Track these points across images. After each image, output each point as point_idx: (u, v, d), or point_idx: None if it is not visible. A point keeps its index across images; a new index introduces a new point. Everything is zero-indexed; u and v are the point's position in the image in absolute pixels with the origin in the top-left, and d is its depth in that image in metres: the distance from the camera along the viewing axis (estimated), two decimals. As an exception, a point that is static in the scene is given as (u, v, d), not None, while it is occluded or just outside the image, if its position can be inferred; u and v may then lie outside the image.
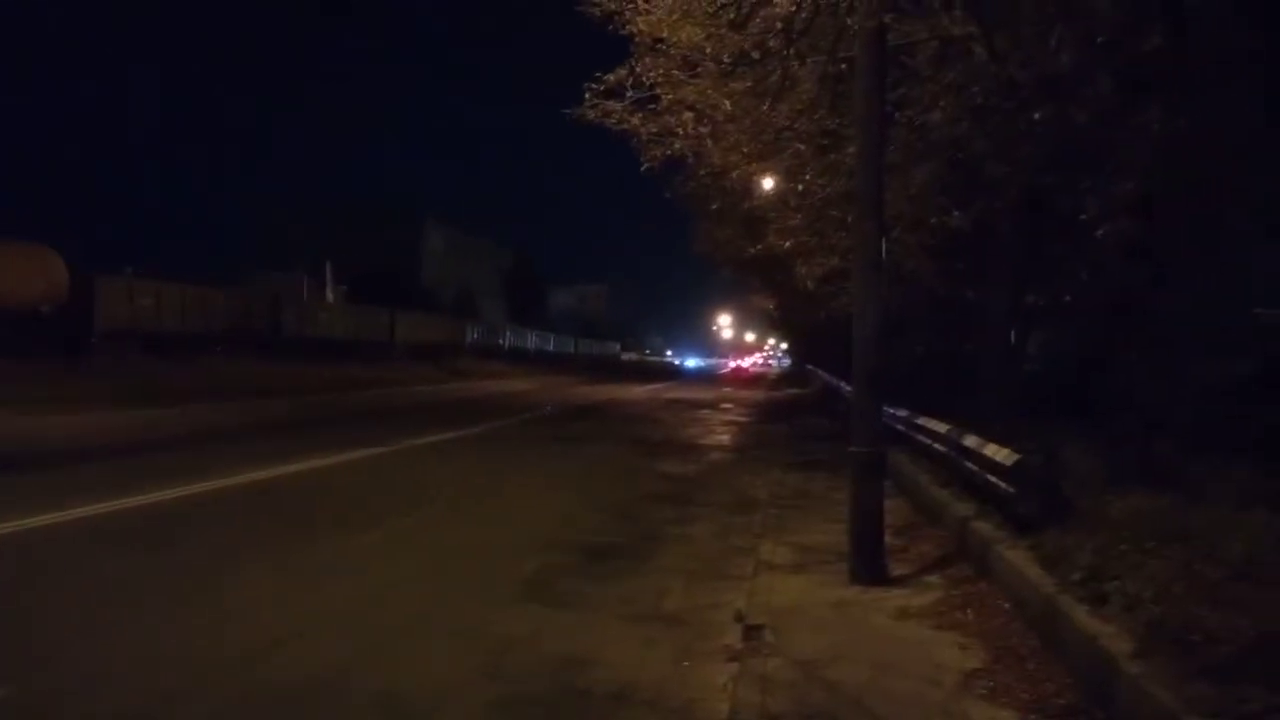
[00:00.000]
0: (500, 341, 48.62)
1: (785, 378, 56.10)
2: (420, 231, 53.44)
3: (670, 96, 7.73)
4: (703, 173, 10.53)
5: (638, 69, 7.43)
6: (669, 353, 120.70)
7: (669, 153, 8.23)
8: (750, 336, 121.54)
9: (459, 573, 5.61)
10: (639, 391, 30.85)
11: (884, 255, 5.69)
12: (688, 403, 24.80)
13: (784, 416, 20.05)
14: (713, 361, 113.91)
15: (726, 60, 7.07)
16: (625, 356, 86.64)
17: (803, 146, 8.53)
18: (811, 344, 40.12)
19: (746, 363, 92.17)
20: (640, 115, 7.86)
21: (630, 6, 7.12)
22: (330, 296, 35.51)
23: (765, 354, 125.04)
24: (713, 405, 24.25)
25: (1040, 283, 9.56)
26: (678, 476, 10.18)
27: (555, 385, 32.82)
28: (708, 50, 7.18)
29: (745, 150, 8.68)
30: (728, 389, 36.37)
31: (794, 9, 6.19)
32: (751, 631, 4.44)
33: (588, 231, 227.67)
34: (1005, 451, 5.89)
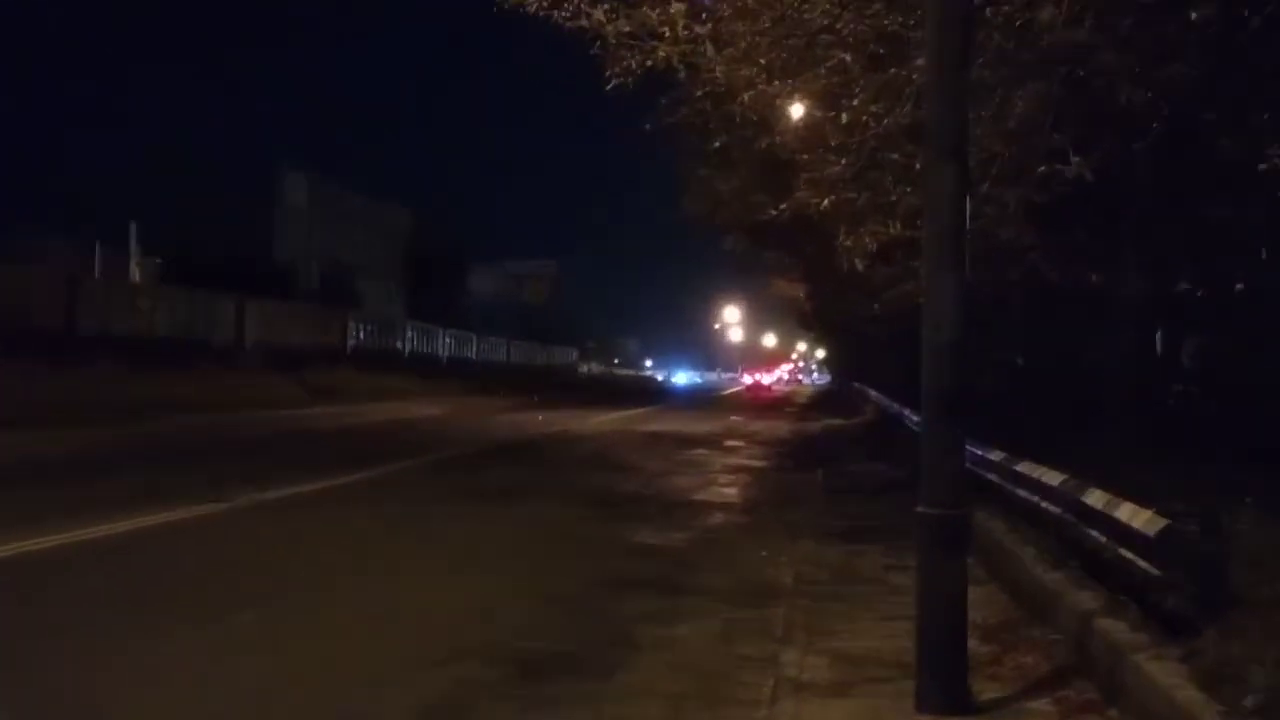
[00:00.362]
0: (397, 344, 48.54)
1: (822, 400, 56.55)
2: (274, 185, 53.51)
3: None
4: (700, 94, 10.58)
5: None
6: (648, 363, 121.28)
7: (649, 63, 8.19)
8: (769, 340, 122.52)
9: (322, 701, 5.51)
10: (604, 421, 30.83)
11: (968, 220, 5.70)
12: (677, 438, 24.87)
13: (819, 458, 20.11)
14: (714, 376, 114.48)
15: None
16: (586, 369, 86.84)
17: (848, 57, 8.54)
18: (859, 352, 40.46)
19: (769, 379, 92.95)
20: (607, 5, 7.81)
21: None
22: (135, 274, 35.42)
23: (793, 366, 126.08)
24: (714, 441, 24.38)
25: (1197, 262, 9.65)
26: (658, 550, 10.16)
27: (479, 410, 32.72)
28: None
29: (763, 61, 8.69)
30: (736, 417, 36.58)
31: None
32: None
33: (532, 192, 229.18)
34: (1146, 515, 5.89)
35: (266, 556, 9.10)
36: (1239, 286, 9.58)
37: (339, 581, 8.23)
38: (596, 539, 10.62)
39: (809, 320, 50.16)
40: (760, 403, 54.44)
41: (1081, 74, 7.55)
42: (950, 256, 5.65)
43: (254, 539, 9.95)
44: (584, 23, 7.84)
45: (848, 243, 12.24)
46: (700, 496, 14.42)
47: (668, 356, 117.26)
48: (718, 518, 12.54)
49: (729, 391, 76.66)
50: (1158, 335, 10.55)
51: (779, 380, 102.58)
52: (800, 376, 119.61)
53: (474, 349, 59.58)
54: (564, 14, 7.79)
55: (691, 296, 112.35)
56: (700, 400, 55.90)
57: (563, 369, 77.80)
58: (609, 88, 8.24)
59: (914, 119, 8.57)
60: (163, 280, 36.80)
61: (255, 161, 52.07)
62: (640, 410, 37.98)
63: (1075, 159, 8.56)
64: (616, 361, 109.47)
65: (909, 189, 10.07)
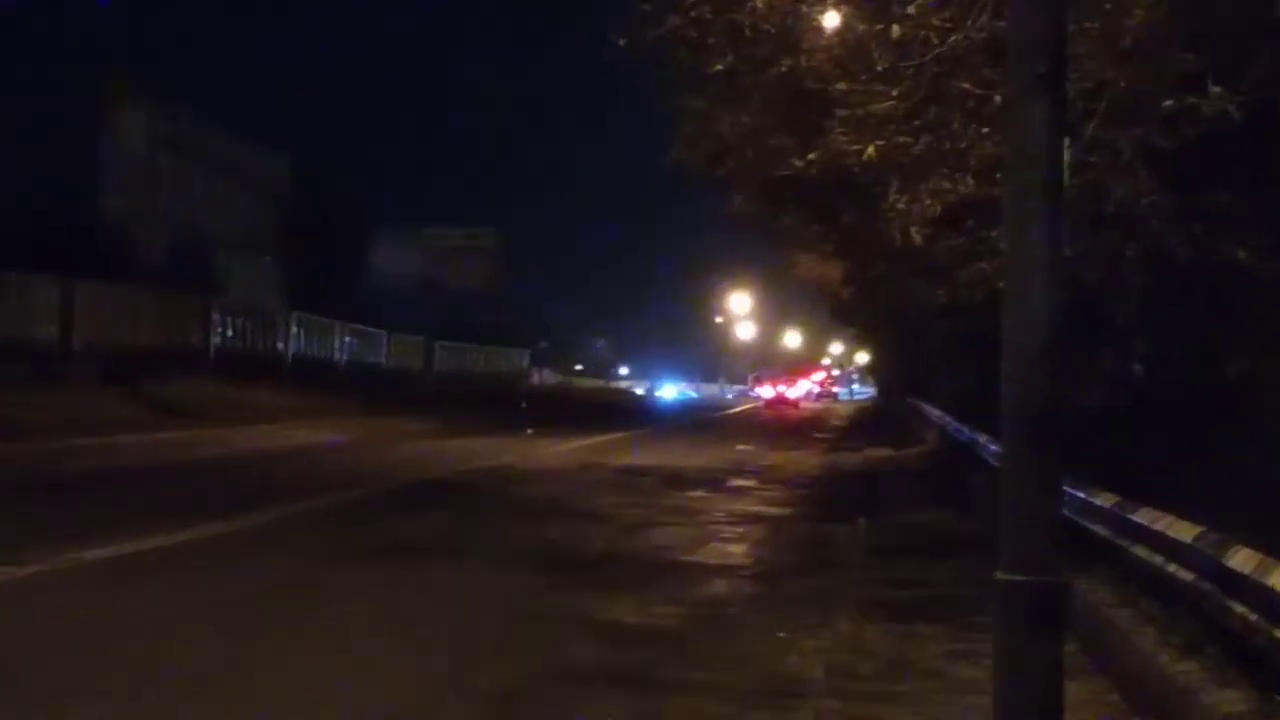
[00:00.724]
0: (278, 345, 48.28)
1: (864, 421, 56.76)
2: (100, 116, 52.71)
3: None
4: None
5: None
6: (623, 371, 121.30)
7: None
8: (792, 340, 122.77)
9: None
10: (564, 451, 30.97)
11: (1066, 175, 5.67)
12: (663, 475, 24.91)
13: (860, 504, 20.16)
14: (715, 389, 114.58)
15: None
16: (539, 379, 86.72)
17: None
18: (916, 356, 40.46)
19: (794, 392, 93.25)
20: None
21: None
22: None
23: (826, 375, 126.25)
24: (715, 480, 24.45)
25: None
26: (636, 631, 10.20)
27: (392, 435, 32.83)
28: None
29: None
30: (745, 446, 36.77)
31: None
32: None
33: (464, 136, 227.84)
34: (1313, 584, 5.93)
35: (83, 650, 8.82)
36: None
37: (184, 689, 7.94)
38: (552, 615, 10.61)
39: (846, 313, 50.02)
40: (781, 423, 54.42)
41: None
42: (1042, 225, 5.65)
43: (68, 621, 9.69)
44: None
45: (900, 205, 12.25)
46: (695, 557, 14.41)
47: (650, 362, 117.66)
48: (719, 586, 12.56)
49: (736, 410, 76.77)
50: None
51: (808, 394, 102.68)
52: (835, 389, 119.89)
53: (383, 352, 59.54)
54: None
55: (684, 280, 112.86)
56: (696, 421, 55.98)
57: (508, 378, 77.79)
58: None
59: (992, 34, 8.59)
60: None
61: (77, 83, 50.71)
62: (613, 436, 38.07)
63: (1216, 89, 8.58)
64: (579, 368, 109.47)
65: (985, 131, 10.09)
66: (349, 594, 11.37)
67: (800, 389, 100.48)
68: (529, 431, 37.04)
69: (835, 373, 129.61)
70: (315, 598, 11.18)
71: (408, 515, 17.20)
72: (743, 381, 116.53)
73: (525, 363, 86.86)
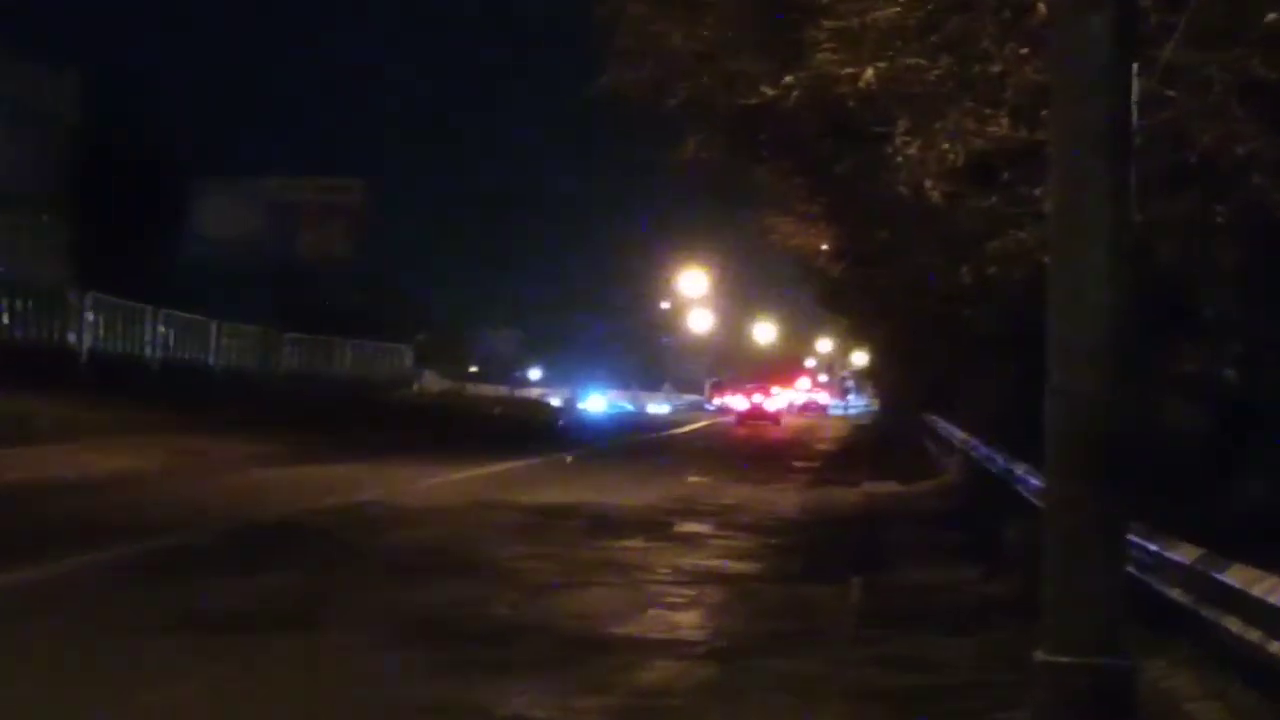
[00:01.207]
0: (68, 336, 47.66)
1: (862, 442, 57.19)
2: None
3: None
4: None
5: None
6: (535, 375, 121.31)
7: None
8: (763, 333, 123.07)
9: None
10: (452, 483, 30.84)
11: (1134, 112, 5.74)
12: (588, 516, 25.03)
13: (853, 558, 20.31)
14: (660, 400, 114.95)
15: None
16: (423, 383, 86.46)
17: None
18: (932, 357, 40.56)
19: (775, 403, 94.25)
20: None
21: None
22: None
23: (813, 383, 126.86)
24: (657, 523, 24.50)
25: None
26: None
27: (220, 461, 32.75)
28: None
29: None
30: (698, 477, 36.78)
31: None
32: None
33: (315, 53, 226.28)
34: None
35: None
36: None
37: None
38: (435, 710, 10.51)
39: (837, 298, 49.95)
40: (748, 447, 54.57)
41: None
42: (1101, 181, 5.63)
43: None
44: None
45: (911, 151, 12.26)
46: (629, 629, 14.33)
47: (573, 364, 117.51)
48: (661, 669, 12.41)
49: (689, 428, 76.82)
50: None
51: (789, 407, 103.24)
52: (824, 401, 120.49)
53: (213, 347, 58.75)
54: None
55: (619, 255, 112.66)
56: (634, 444, 56.19)
57: (384, 384, 77.52)
58: None
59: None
60: None
61: None
62: (520, 463, 38.05)
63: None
64: (475, 370, 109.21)
65: (1025, 51, 10.12)
66: (155, 680, 11.05)
67: (780, 400, 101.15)
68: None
69: (823, 378, 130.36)
70: (91, 689, 10.82)
71: (239, 572, 16.85)
72: (697, 390, 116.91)
73: (409, 362, 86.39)
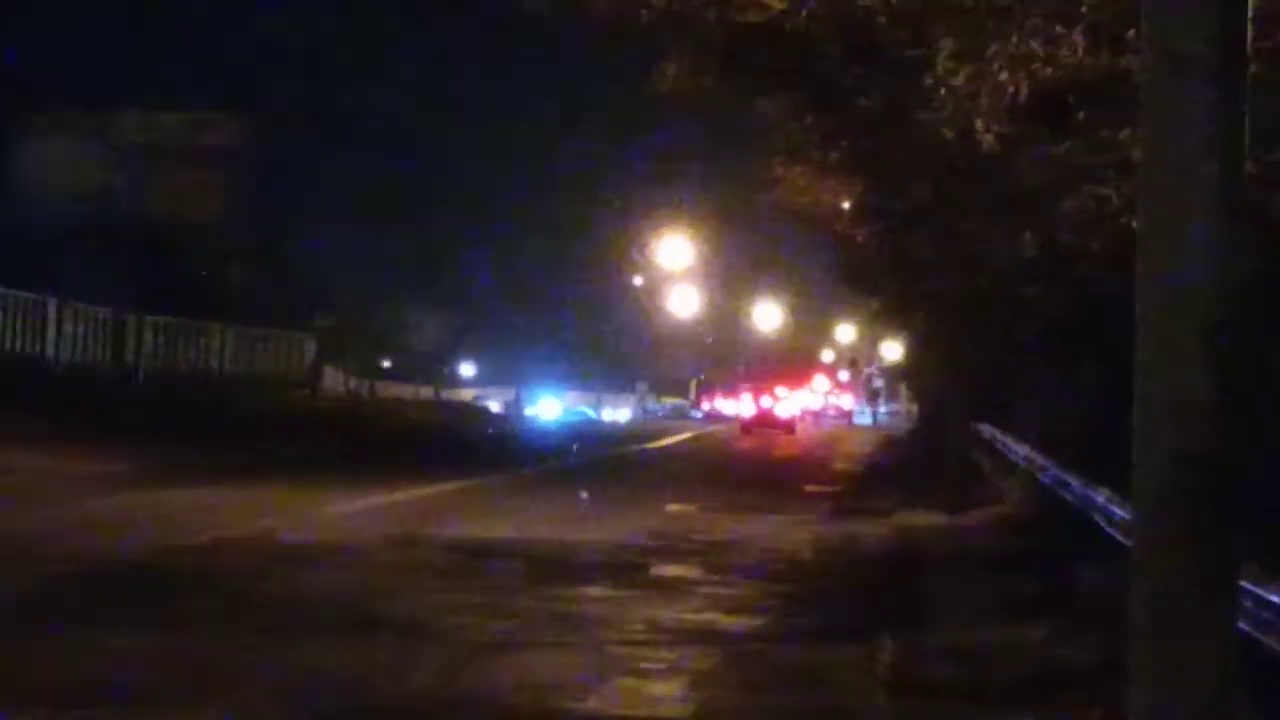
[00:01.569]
0: None
1: (894, 459, 58.33)
2: None
3: None
4: None
5: None
6: (467, 371, 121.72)
7: None
8: (767, 319, 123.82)
9: None
10: (357, 513, 31.15)
11: (1249, 40, 5.76)
12: (534, 555, 24.92)
13: (882, 609, 20.21)
14: (631, 404, 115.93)
15: None
16: (324, 382, 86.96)
17: None
18: (986, 354, 40.84)
19: (787, 408, 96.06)
20: None
21: None
22: None
23: (833, 384, 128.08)
24: (626, 565, 24.50)
25: None
26: None
27: (61, 482, 33.25)
28: None
29: None
30: (682, 505, 37.12)
31: None
32: None
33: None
34: None
35: None
36: None
37: None
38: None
39: (862, 273, 49.78)
40: (746, 465, 55.18)
41: None
42: (1205, 122, 5.49)
43: None
44: None
45: (957, 81, 12.17)
46: (590, 703, 13.69)
47: (518, 360, 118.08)
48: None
49: (668, 440, 78.10)
50: None
51: (803, 413, 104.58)
52: (849, 406, 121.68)
53: (51, 334, 58.77)
54: None
55: (579, 217, 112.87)
56: (598, 461, 57.23)
57: (275, 382, 77.67)
58: None
59: None
60: None
61: None
62: (449, 485, 38.69)
63: None
64: (388, 365, 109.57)
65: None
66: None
67: (793, 404, 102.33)
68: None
69: (843, 376, 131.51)
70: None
71: (71, 633, 16.34)
72: (682, 392, 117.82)
73: (309, 354, 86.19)
